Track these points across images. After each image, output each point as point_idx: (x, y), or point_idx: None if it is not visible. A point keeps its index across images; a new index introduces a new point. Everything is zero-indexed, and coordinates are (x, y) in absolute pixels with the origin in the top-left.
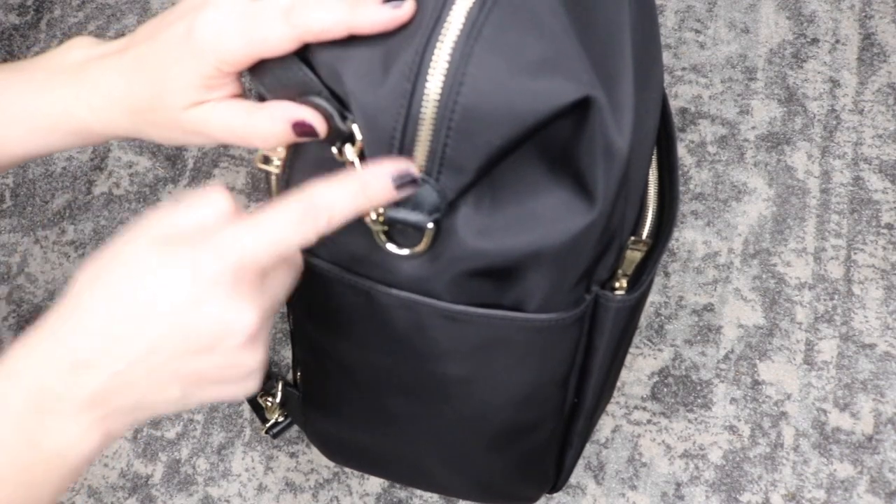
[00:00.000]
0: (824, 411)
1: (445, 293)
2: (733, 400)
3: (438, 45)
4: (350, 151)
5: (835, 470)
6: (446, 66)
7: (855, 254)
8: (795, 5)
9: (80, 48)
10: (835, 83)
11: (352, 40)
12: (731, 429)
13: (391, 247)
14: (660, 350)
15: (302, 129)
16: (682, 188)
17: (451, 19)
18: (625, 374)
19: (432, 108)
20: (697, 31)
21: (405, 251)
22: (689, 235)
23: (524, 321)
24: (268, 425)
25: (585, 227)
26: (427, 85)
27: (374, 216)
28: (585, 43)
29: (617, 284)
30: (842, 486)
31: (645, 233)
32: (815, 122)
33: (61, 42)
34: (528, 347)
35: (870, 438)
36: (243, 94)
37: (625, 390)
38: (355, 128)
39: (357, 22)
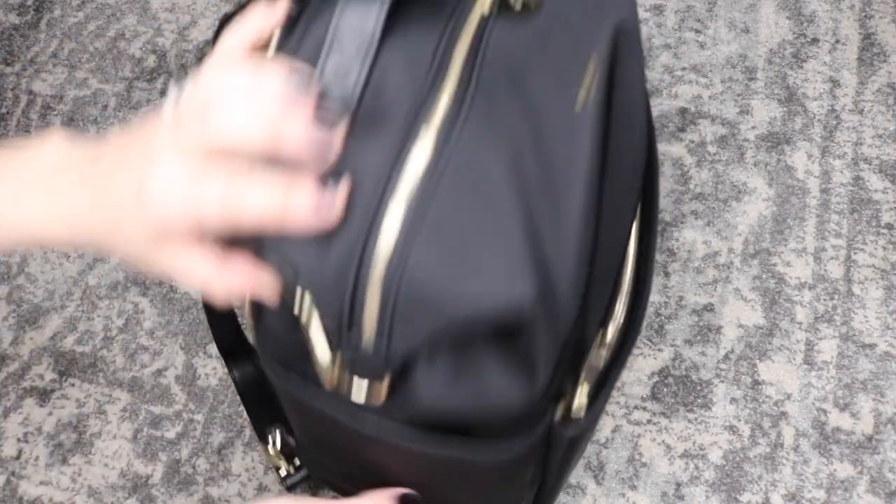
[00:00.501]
0: (824, 411)
1: (404, 427)
2: (733, 400)
3: (382, 232)
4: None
5: (835, 470)
6: (388, 255)
7: (855, 254)
8: (795, 5)
9: (56, 150)
10: (835, 83)
11: None
12: (731, 429)
13: (354, 397)
14: (660, 350)
15: (258, 293)
16: (682, 188)
17: (392, 207)
18: (625, 375)
19: (376, 292)
20: (697, 31)
21: (363, 398)
22: (689, 235)
23: (475, 461)
24: (282, 476)
25: (528, 399)
26: (371, 273)
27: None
28: (531, 201)
29: (576, 403)
30: (842, 486)
31: (618, 319)
32: (815, 122)
33: (61, 42)
34: (480, 476)
35: (870, 438)
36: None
37: (625, 390)
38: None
39: (288, 225)
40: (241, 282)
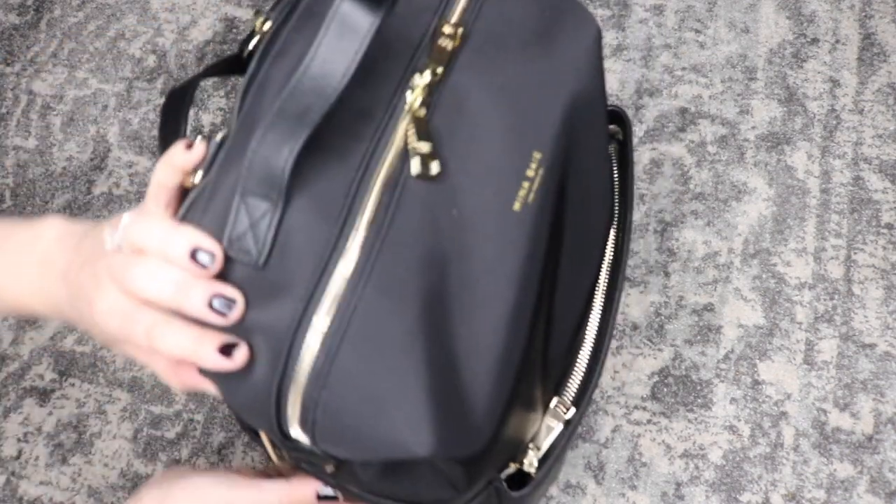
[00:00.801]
0: (824, 411)
1: (355, 490)
2: (733, 400)
3: (292, 383)
4: None
5: (835, 470)
6: (300, 401)
7: (855, 254)
8: (795, 5)
9: (50, 240)
10: (835, 83)
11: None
12: (731, 429)
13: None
14: (660, 350)
15: (207, 392)
16: (682, 188)
17: (306, 347)
18: (625, 374)
19: (297, 425)
20: (697, 31)
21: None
22: (689, 235)
23: None
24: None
25: (456, 496)
26: (289, 410)
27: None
28: (442, 342)
29: (526, 465)
30: (842, 486)
31: (571, 389)
32: (815, 122)
33: (61, 42)
34: None
35: (870, 438)
36: None
37: (625, 390)
38: None
39: (198, 362)
40: (191, 383)
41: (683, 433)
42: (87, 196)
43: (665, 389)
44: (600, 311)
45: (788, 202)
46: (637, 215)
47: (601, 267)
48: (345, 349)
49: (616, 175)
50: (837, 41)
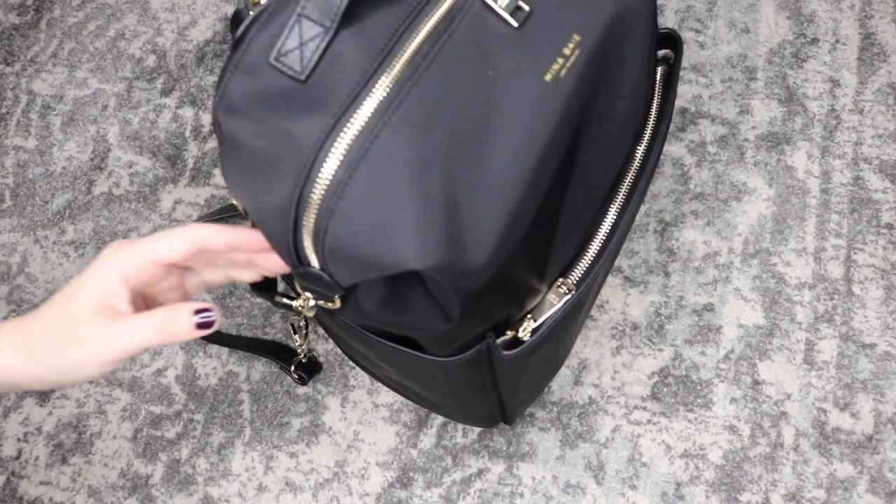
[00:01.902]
0: (824, 411)
1: (358, 328)
2: (733, 400)
3: (314, 188)
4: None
5: (835, 470)
6: (317, 209)
7: (855, 254)
8: (795, 5)
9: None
10: (835, 83)
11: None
12: (731, 429)
13: (319, 302)
14: (660, 350)
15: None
16: (682, 188)
17: (330, 159)
18: (625, 374)
19: (310, 240)
20: (697, 31)
21: (320, 303)
22: (689, 235)
23: (417, 358)
24: (294, 366)
25: (447, 331)
26: (304, 222)
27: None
28: (458, 174)
29: (521, 333)
30: (842, 486)
31: (578, 271)
32: (815, 122)
33: (61, 42)
34: (432, 372)
35: (870, 438)
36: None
37: (625, 390)
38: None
39: (165, 342)
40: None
41: (683, 433)
42: (87, 196)
43: (665, 389)
44: (618, 209)
45: (788, 202)
46: (637, 215)
47: (627, 171)
48: (364, 165)
49: (659, 92)
50: (837, 41)
